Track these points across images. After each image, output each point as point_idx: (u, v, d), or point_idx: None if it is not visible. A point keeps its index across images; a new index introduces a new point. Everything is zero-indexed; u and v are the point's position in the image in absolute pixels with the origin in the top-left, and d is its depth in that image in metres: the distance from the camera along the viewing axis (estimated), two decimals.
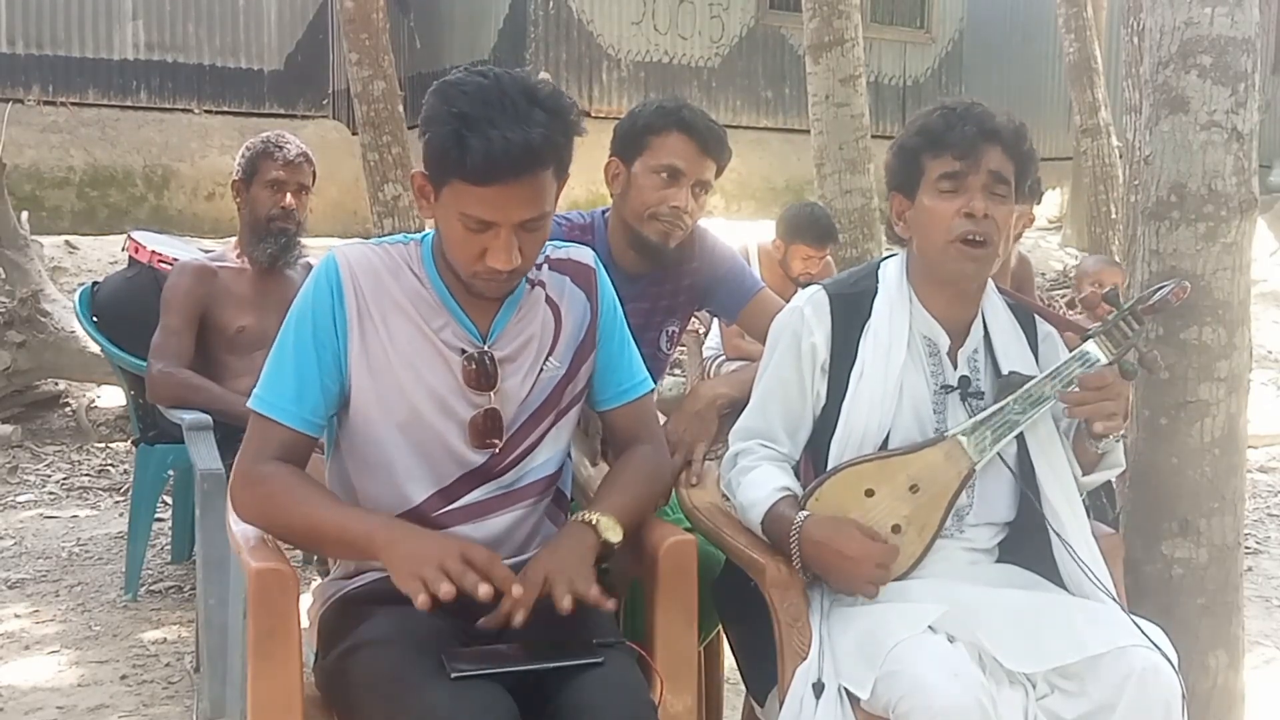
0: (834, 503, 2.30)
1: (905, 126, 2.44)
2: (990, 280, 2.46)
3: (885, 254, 2.56)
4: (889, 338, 2.38)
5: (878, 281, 2.45)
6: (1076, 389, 2.28)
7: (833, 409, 2.39)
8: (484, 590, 1.92)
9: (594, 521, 2.16)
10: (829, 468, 2.36)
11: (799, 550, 2.26)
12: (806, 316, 2.42)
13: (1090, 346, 2.30)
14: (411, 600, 1.92)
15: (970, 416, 2.36)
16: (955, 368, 2.41)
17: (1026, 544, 2.40)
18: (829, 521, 2.26)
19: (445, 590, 1.90)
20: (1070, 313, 5.42)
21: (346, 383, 2.15)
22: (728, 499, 2.49)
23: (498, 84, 2.00)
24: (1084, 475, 2.41)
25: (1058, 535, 2.33)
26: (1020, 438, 2.36)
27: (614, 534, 2.16)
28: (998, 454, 2.34)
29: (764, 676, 2.35)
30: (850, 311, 2.42)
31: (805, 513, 2.28)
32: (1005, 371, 2.39)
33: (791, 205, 6.17)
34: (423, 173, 2.09)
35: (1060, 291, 9.65)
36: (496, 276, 2.09)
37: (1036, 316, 2.51)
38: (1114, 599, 2.29)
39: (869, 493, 2.30)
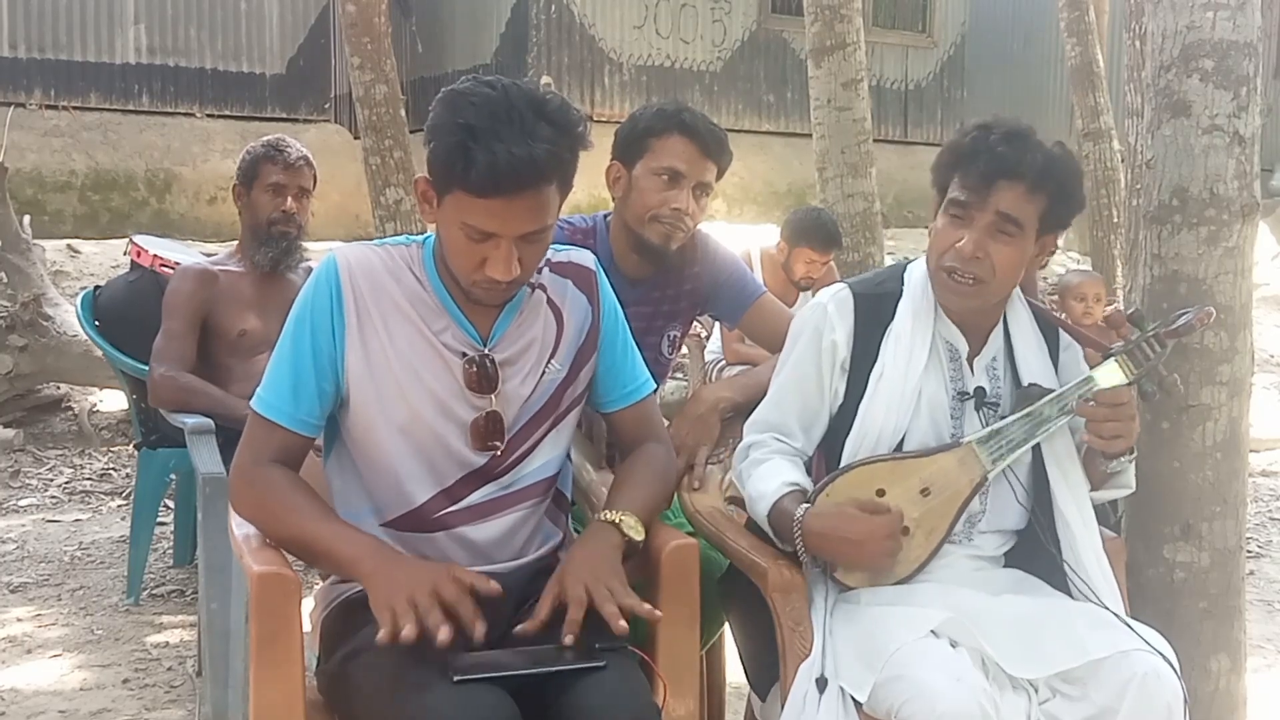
0: (845, 499, 2.30)
1: (959, 130, 2.39)
2: (1018, 288, 2.45)
3: (888, 257, 2.55)
4: (911, 341, 2.37)
5: (903, 284, 2.44)
6: (1092, 404, 2.27)
7: (850, 408, 2.39)
8: (444, 633, 1.91)
9: (618, 520, 2.17)
10: (842, 465, 2.36)
11: (803, 545, 2.26)
12: (829, 313, 2.42)
13: (1111, 365, 2.28)
14: None
15: (985, 425, 2.35)
16: (973, 375, 2.40)
17: (1034, 550, 2.40)
18: (829, 511, 2.26)
19: (408, 633, 1.91)
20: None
21: (343, 384, 2.16)
22: (730, 503, 2.49)
23: (505, 96, 2.00)
24: (1091, 490, 2.41)
25: (1068, 549, 2.33)
26: (1037, 450, 2.36)
27: (638, 532, 2.18)
28: (1009, 468, 2.34)
29: (767, 670, 2.35)
30: (874, 312, 2.41)
31: (807, 505, 2.28)
32: (1025, 382, 2.38)
33: (799, 209, 6.18)
34: (426, 178, 2.09)
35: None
36: (495, 286, 2.09)
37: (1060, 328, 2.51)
38: (1115, 603, 2.29)
39: (880, 492, 2.30)
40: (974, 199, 2.27)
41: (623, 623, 2.01)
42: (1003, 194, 2.26)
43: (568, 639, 1.99)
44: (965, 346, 2.41)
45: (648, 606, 2.07)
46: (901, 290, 2.43)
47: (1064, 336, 2.50)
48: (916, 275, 2.45)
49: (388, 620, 1.93)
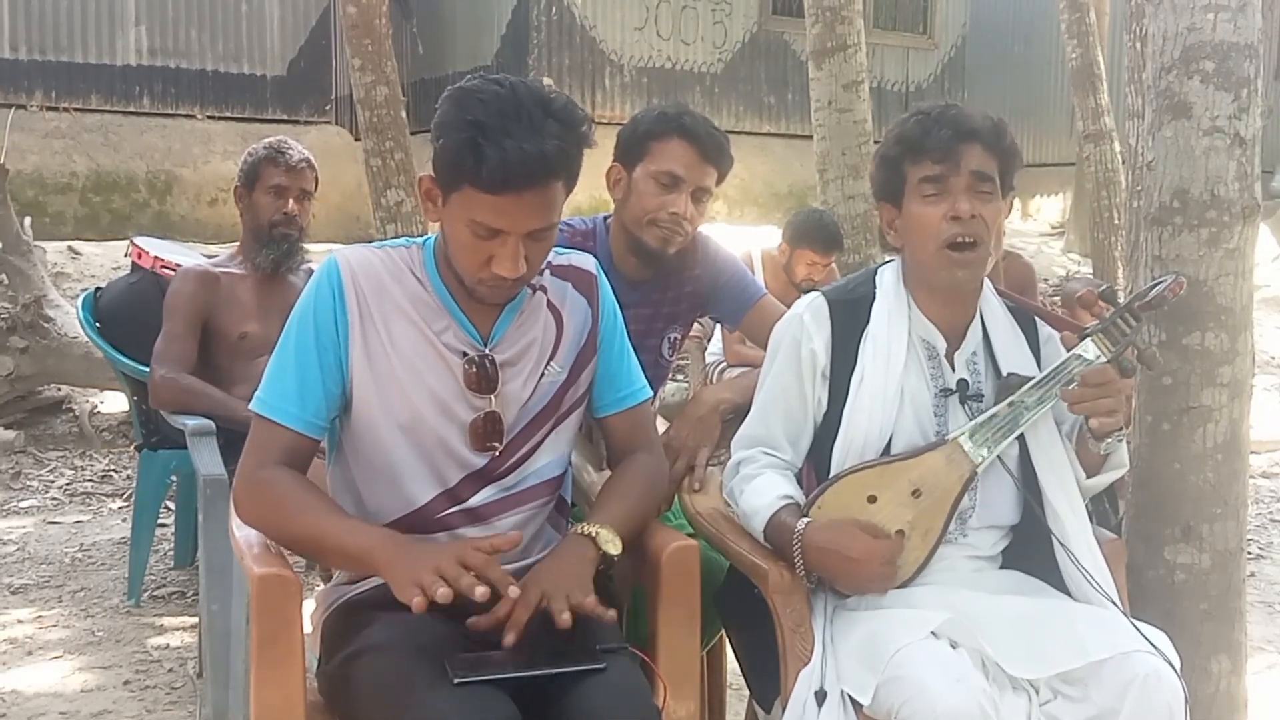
0: (836, 510, 2.31)
1: (884, 137, 2.44)
2: (988, 282, 2.46)
3: (885, 260, 2.56)
4: (888, 342, 2.38)
5: (875, 287, 2.46)
6: (1075, 387, 2.28)
7: (834, 415, 2.39)
8: (480, 591, 1.92)
9: (593, 534, 2.16)
10: (830, 474, 2.36)
11: (802, 557, 2.26)
12: (806, 323, 2.42)
13: (1088, 345, 2.30)
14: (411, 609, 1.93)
15: (970, 419, 2.36)
16: (954, 370, 2.41)
17: (1030, 550, 2.40)
18: (831, 526, 2.27)
19: (442, 594, 1.90)
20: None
21: (348, 385, 2.16)
22: (730, 505, 2.49)
23: (514, 93, 2.01)
24: (1088, 477, 2.41)
25: (1059, 539, 2.33)
26: (1022, 440, 2.36)
27: (613, 546, 2.16)
28: (998, 458, 2.34)
29: (770, 686, 2.35)
30: (849, 317, 2.42)
31: (807, 519, 2.29)
32: (1005, 373, 2.39)
33: (800, 210, 6.18)
34: (431, 177, 2.09)
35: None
36: (501, 284, 2.10)
37: (1037, 319, 2.52)
38: (1116, 604, 2.29)
39: (871, 499, 2.31)
40: (946, 168, 2.30)
41: (566, 615, 1.99)
42: (969, 155, 2.30)
43: (508, 639, 1.97)
44: (943, 343, 2.42)
45: (593, 601, 2.04)
46: (875, 293, 2.44)
47: (1043, 329, 2.50)
48: (888, 278, 2.46)
49: (416, 593, 1.91)
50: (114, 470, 6.50)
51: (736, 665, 2.60)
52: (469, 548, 2.01)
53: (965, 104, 2.41)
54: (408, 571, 1.97)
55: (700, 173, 2.84)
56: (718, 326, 5.68)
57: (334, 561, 2.20)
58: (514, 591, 1.96)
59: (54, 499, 6.02)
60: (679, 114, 2.85)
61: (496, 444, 2.21)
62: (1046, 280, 10.27)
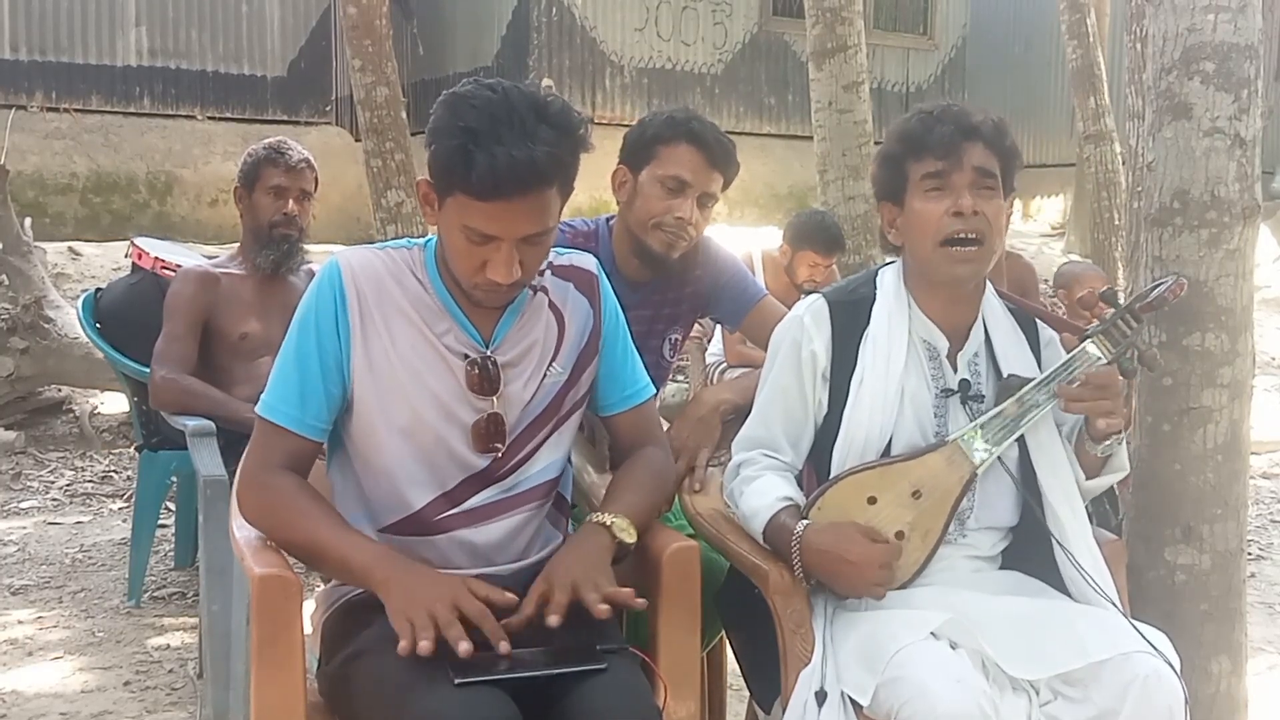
0: (836, 511, 2.31)
1: (886, 135, 2.44)
2: (990, 284, 2.46)
3: (885, 261, 2.56)
4: (888, 343, 2.38)
5: (876, 288, 2.45)
6: (1076, 387, 2.28)
7: (834, 416, 2.39)
8: (464, 647, 1.91)
9: (609, 523, 2.17)
10: (830, 476, 2.36)
11: (800, 559, 2.26)
12: (806, 325, 2.42)
13: (1089, 346, 2.30)
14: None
15: (971, 420, 2.36)
16: (955, 371, 2.41)
17: (1030, 550, 2.40)
18: (829, 528, 2.27)
19: (424, 647, 1.91)
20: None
21: (349, 387, 2.16)
22: (730, 507, 2.49)
23: (506, 99, 2.00)
24: (1088, 479, 2.41)
25: (1058, 540, 2.33)
26: (1022, 441, 2.36)
27: (629, 535, 2.18)
28: (999, 459, 2.34)
29: (770, 687, 2.35)
30: (850, 319, 2.42)
31: (805, 521, 2.29)
32: (1005, 374, 2.39)
33: (801, 212, 6.18)
34: (428, 180, 2.09)
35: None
36: (496, 288, 2.10)
37: (1038, 321, 2.52)
38: (1116, 604, 2.29)
39: (871, 500, 2.31)
40: (949, 164, 2.30)
41: (604, 607, 2.01)
42: (971, 151, 2.30)
43: (552, 619, 1.99)
44: (945, 344, 2.41)
45: (629, 591, 2.06)
46: (875, 294, 2.44)
47: (1044, 331, 2.50)
48: (889, 278, 2.46)
49: (407, 632, 1.93)
50: (114, 471, 6.50)
51: (736, 665, 2.60)
52: (466, 594, 2.00)
53: (965, 104, 2.41)
54: (403, 602, 1.97)
55: (707, 178, 2.84)
56: (718, 327, 5.68)
57: (332, 572, 2.19)
58: (505, 647, 1.95)
59: (54, 500, 6.02)
60: (687, 119, 2.85)
61: (499, 445, 2.21)
62: (1047, 281, 10.25)
